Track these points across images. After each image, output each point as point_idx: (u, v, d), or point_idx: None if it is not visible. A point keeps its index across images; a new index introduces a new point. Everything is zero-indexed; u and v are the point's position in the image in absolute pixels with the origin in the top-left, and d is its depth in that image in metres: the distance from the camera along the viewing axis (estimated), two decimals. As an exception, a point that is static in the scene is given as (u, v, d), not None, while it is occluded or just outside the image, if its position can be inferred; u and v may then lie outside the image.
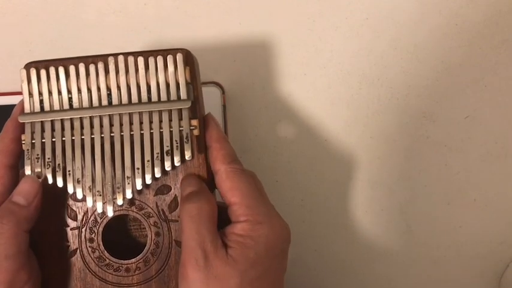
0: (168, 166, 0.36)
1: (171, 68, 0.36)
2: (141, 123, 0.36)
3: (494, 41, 0.49)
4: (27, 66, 0.37)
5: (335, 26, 0.49)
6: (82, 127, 0.36)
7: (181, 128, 0.36)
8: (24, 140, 0.36)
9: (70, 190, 0.36)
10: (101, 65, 0.36)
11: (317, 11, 0.49)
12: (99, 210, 0.36)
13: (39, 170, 0.36)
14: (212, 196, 0.36)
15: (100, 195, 0.36)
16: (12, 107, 0.38)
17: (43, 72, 0.37)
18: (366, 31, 0.49)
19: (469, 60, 0.49)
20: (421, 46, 0.49)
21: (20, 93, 0.37)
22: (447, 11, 0.49)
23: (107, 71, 0.37)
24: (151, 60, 0.36)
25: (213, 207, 0.35)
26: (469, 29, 0.49)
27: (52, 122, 0.36)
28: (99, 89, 0.37)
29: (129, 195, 0.36)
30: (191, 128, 0.36)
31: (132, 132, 0.36)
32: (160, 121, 0.36)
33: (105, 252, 0.37)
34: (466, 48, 0.49)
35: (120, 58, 0.36)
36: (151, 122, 0.36)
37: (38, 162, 0.36)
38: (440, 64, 0.49)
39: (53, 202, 0.37)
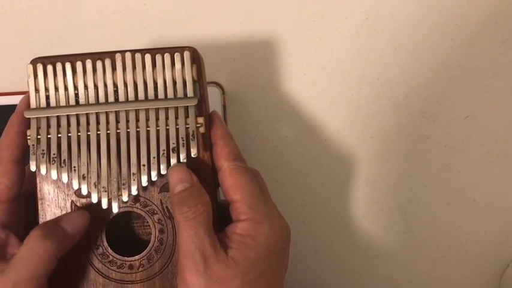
0: (173, 163, 0.36)
1: (178, 65, 0.36)
2: (147, 120, 0.36)
3: (494, 41, 0.49)
4: (34, 62, 0.37)
5: (335, 26, 0.49)
6: (88, 123, 0.36)
7: (187, 126, 0.36)
8: (29, 135, 0.36)
9: (75, 186, 0.36)
10: (108, 62, 0.36)
11: (317, 11, 0.49)
12: (104, 206, 0.36)
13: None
14: (205, 193, 0.35)
15: (105, 191, 0.36)
16: (12, 106, 0.37)
17: (50, 67, 0.36)
18: (366, 31, 0.49)
19: (469, 60, 0.49)
20: (421, 46, 0.49)
21: (21, 92, 0.37)
22: (447, 11, 0.49)
23: (113, 68, 0.36)
24: (158, 57, 0.36)
25: (209, 207, 0.34)
26: (469, 29, 0.49)
27: (58, 117, 0.36)
28: (105, 85, 0.36)
29: (134, 191, 0.36)
30: (197, 125, 0.36)
31: (138, 129, 0.36)
32: (167, 118, 0.36)
33: (109, 249, 0.37)
34: (466, 48, 0.49)
35: (128, 55, 0.36)
36: (157, 119, 0.36)
37: (43, 157, 0.35)
38: (440, 64, 0.49)
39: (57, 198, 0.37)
